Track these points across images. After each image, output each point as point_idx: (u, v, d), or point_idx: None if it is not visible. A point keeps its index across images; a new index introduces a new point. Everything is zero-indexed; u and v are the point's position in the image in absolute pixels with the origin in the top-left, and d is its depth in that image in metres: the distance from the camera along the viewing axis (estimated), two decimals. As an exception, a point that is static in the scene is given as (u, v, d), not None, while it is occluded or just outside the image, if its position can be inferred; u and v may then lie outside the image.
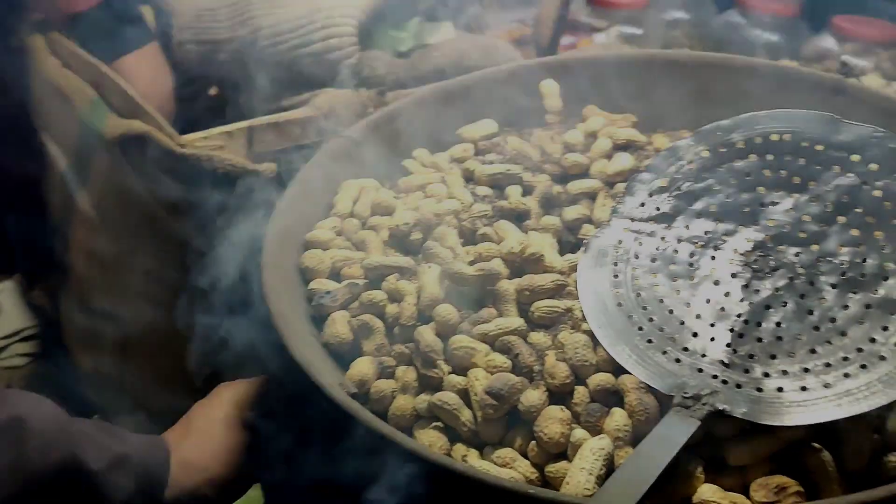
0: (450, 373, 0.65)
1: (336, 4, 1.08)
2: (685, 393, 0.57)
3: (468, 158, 0.93)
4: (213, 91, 1.28)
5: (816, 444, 0.56)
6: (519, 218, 0.82)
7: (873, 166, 0.63)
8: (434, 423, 0.64)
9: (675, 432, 0.54)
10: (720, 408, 0.56)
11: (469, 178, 0.90)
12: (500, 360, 0.64)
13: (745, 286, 0.63)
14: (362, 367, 0.67)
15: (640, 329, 0.63)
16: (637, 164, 0.88)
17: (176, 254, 0.99)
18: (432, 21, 1.25)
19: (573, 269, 0.76)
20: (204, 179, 0.92)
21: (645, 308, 0.65)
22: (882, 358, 0.56)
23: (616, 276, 0.67)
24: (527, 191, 0.86)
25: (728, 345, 0.60)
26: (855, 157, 0.64)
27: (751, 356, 0.59)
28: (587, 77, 1.00)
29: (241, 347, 0.71)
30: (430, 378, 0.65)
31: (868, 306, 0.59)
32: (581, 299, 0.66)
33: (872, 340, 0.57)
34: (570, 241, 0.82)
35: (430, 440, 0.62)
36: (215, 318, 0.75)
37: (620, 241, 0.70)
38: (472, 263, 0.74)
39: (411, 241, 0.79)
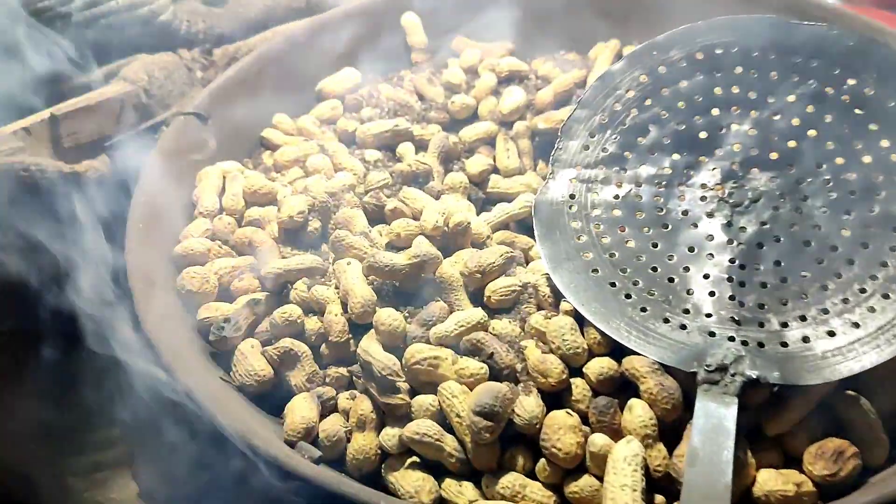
0: (410, 391, 0.53)
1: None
2: (707, 366, 0.49)
3: (339, 117, 0.78)
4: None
5: (851, 392, 0.50)
6: (418, 179, 0.70)
7: (836, 69, 0.57)
8: (410, 460, 0.51)
9: (719, 417, 0.46)
10: (753, 376, 0.48)
11: (349, 140, 0.76)
12: (475, 366, 0.52)
13: (728, 224, 0.56)
14: (302, 410, 0.52)
15: (628, 297, 0.54)
16: (530, 98, 0.78)
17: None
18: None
19: (494, 228, 0.65)
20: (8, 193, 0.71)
21: (624, 270, 0.55)
22: (901, 282, 0.50)
23: (580, 239, 0.57)
24: (419, 147, 0.74)
25: (732, 297, 0.52)
26: (814, 62, 0.57)
27: (760, 306, 0.52)
28: (450, 4, 0.87)
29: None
30: (393, 407, 0.52)
31: (867, 226, 0.53)
32: (551, 274, 0.56)
33: (884, 264, 0.51)
34: (481, 198, 0.72)
35: (414, 485, 0.49)
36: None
37: (572, 196, 0.59)
38: (392, 248, 0.62)
39: (308, 232, 0.64)
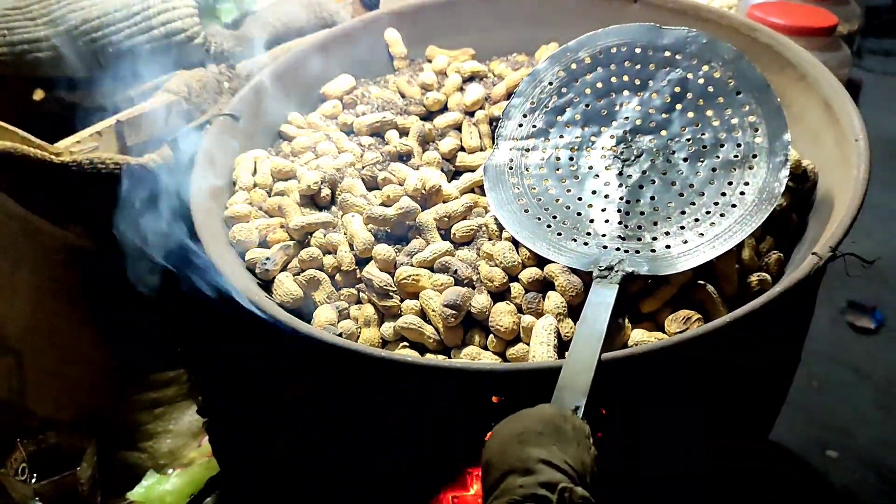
0: (402, 300, 0.75)
1: (169, -13, 1.09)
2: (600, 266, 0.71)
3: (339, 113, 1.01)
4: (38, 95, 1.23)
5: (701, 281, 0.72)
6: (402, 158, 0.93)
7: (693, 60, 0.79)
8: (402, 344, 0.74)
9: (604, 297, 0.68)
10: (629, 270, 0.71)
11: (348, 130, 0.98)
12: (444, 279, 0.75)
13: (619, 174, 0.78)
14: (326, 313, 0.75)
15: (549, 226, 0.77)
16: (487, 92, 1.00)
17: (67, 262, 1.01)
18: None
19: (463, 192, 0.88)
20: (89, 183, 0.94)
21: (547, 209, 0.78)
22: (734, 206, 0.73)
23: (517, 189, 0.80)
24: (402, 132, 0.96)
25: (619, 222, 0.75)
26: (678, 56, 0.80)
27: (639, 227, 0.75)
28: (422, 21, 1.10)
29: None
30: (388, 308, 0.75)
31: (714, 169, 0.76)
32: (495, 213, 0.79)
33: (723, 194, 0.74)
34: (451, 170, 0.94)
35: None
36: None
37: (511, 160, 0.82)
38: (385, 205, 0.84)
39: (321, 197, 0.87)
